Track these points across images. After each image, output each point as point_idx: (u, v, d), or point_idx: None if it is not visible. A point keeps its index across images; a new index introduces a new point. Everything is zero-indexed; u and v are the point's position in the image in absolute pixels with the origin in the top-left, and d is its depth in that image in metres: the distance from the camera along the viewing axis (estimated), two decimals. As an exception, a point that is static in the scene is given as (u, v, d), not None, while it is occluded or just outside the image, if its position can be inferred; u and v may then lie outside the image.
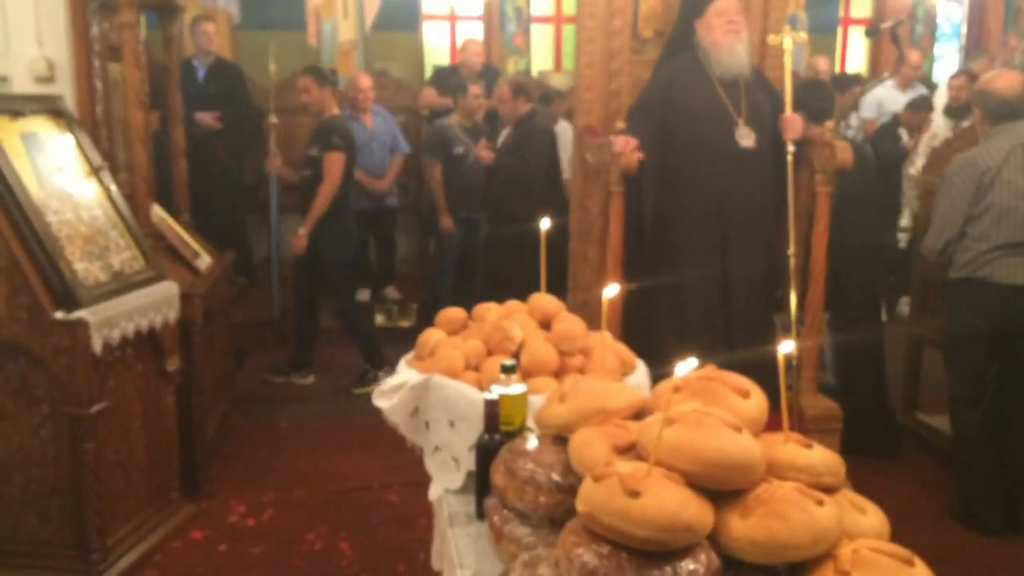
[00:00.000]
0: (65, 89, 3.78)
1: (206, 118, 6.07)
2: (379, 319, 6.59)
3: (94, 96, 3.81)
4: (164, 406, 3.64)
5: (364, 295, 6.65)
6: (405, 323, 6.54)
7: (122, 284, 3.35)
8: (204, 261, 4.30)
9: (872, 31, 6.96)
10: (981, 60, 6.87)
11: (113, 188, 3.59)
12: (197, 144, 5.78)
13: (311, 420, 4.92)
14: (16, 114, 3.34)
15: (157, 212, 4.17)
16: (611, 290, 1.87)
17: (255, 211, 6.89)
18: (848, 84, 6.61)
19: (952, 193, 3.71)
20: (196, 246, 4.36)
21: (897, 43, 6.54)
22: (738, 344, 3.68)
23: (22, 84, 3.77)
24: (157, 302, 3.48)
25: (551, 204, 5.32)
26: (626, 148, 3.54)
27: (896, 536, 1.47)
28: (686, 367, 1.44)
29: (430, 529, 3.58)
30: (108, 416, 3.25)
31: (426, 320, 6.34)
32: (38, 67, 3.76)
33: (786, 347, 1.54)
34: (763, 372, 1.93)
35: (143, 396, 3.52)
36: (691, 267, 3.72)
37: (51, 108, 3.54)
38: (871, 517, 1.51)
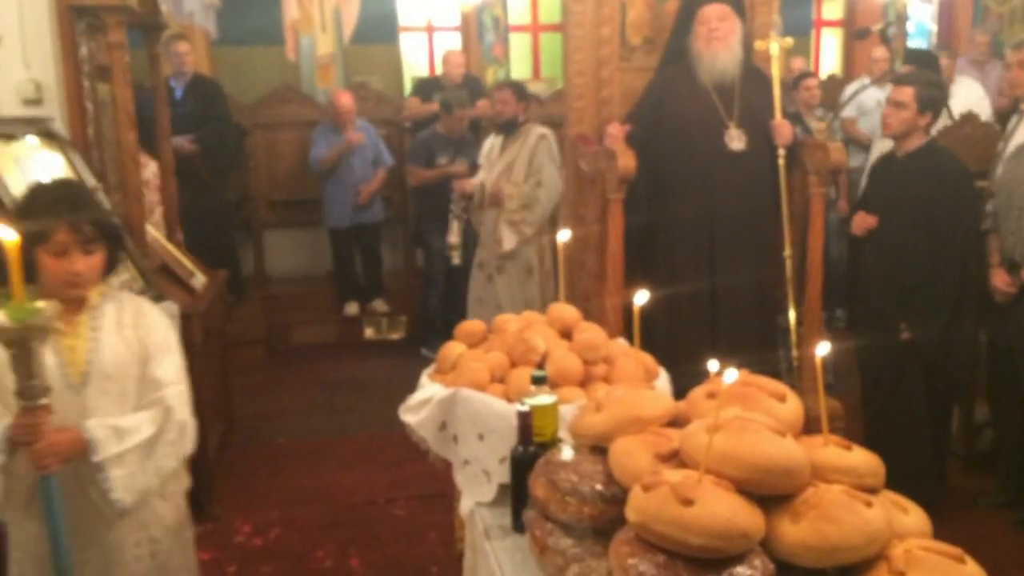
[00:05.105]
0: (53, 111, 3.73)
1: (182, 144, 5.89)
2: (368, 332, 6.58)
3: (85, 117, 3.76)
4: (166, 429, 3.59)
5: (352, 309, 6.64)
6: (395, 335, 6.52)
7: (122, 307, 3.31)
8: (199, 280, 4.27)
9: (862, 33, 7.02)
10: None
11: (108, 209, 3.55)
12: (177, 164, 5.64)
13: (308, 436, 4.88)
14: (9, 138, 3.30)
15: (150, 232, 4.13)
16: (641, 297, 1.88)
17: (239, 228, 6.86)
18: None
19: None
20: (190, 265, 4.32)
21: (889, 44, 6.65)
22: (731, 348, 3.69)
23: (9, 107, 3.71)
24: (157, 323, 3.43)
25: None
26: (620, 131, 3.61)
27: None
28: (729, 375, 1.45)
29: (441, 543, 3.61)
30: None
31: (416, 332, 6.42)
32: (26, 89, 3.70)
33: (823, 349, 1.56)
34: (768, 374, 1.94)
35: (145, 419, 3.47)
36: (680, 270, 3.74)
37: (43, 130, 3.51)
38: (913, 516, 1.53)
